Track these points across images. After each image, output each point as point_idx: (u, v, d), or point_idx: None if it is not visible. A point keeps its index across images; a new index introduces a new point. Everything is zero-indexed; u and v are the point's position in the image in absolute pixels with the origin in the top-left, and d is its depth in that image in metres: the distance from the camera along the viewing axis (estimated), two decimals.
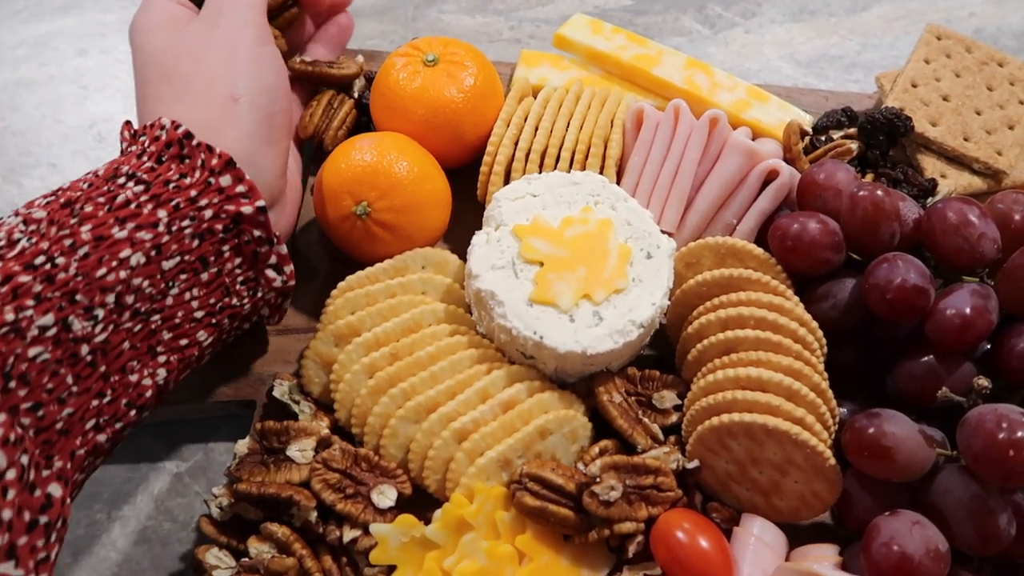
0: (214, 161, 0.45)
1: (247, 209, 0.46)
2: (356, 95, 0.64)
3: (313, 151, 0.64)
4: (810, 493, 0.49)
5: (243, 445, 0.51)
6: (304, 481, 0.49)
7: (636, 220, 0.54)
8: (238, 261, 0.46)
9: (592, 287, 0.51)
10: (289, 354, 0.57)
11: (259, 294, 0.49)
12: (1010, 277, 0.49)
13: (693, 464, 0.50)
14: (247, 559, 0.48)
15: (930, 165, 0.62)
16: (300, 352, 0.55)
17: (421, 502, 0.51)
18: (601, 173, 0.58)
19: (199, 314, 0.46)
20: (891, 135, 0.61)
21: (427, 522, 0.49)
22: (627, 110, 0.60)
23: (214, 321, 0.47)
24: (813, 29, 0.77)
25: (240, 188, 0.46)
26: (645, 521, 0.49)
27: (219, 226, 0.45)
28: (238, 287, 0.47)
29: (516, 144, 0.58)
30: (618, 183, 0.59)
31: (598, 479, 0.48)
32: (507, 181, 0.58)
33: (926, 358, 0.49)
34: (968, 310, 0.47)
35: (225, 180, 0.45)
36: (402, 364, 0.51)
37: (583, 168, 0.58)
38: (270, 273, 0.48)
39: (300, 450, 0.50)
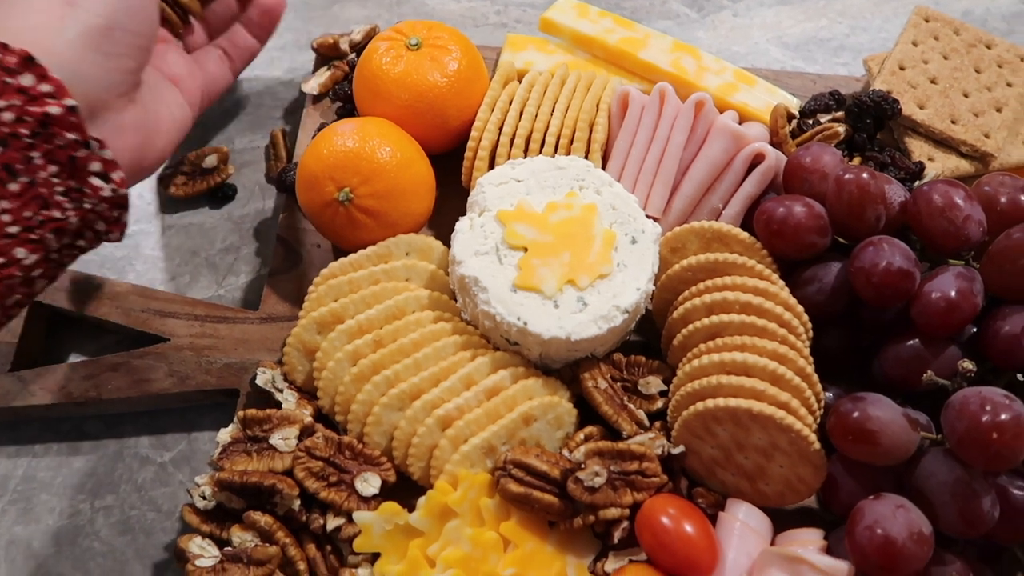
0: (12, 60, 0.40)
1: (54, 110, 0.41)
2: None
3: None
4: (795, 478, 0.49)
5: (226, 434, 0.51)
6: (287, 469, 0.49)
7: (621, 205, 0.53)
8: (53, 169, 0.42)
9: (576, 272, 0.51)
10: (273, 342, 0.56)
11: (87, 205, 0.44)
12: (995, 260, 0.48)
13: (678, 450, 0.50)
14: (230, 548, 0.48)
15: (918, 148, 0.62)
16: (283, 340, 0.54)
17: (406, 489, 0.50)
18: (587, 158, 0.58)
19: (13, 229, 0.41)
20: (878, 118, 0.61)
21: (412, 509, 0.49)
22: (613, 94, 0.59)
23: (34, 237, 0.42)
24: (802, 12, 0.77)
25: (45, 87, 0.41)
26: (630, 507, 0.49)
27: (24, 130, 0.40)
28: (58, 198, 0.42)
29: (501, 129, 0.58)
30: (604, 168, 0.59)
31: (582, 465, 0.48)
32: (492, 166, 0.58)
33: (912, 342, 0.49)
34: (953, 293, 0.47)
35: (26, 79, 0.40)
36: (386, 351, 0.51)
37: (568, 153, 0.57)
38: (95, 181, 0.43)
39: (283, 438, 0.50)
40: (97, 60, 0.45)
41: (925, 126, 0.62)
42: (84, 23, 0.44)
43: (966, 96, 0.63)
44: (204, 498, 0.49)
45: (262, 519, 0.48)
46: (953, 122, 0.62)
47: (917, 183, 0.57)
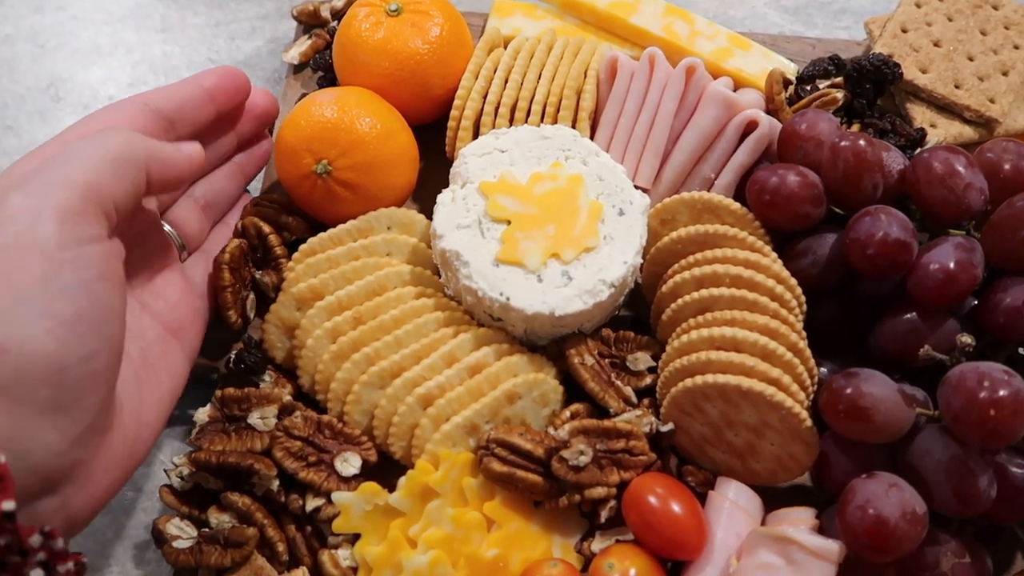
0: None
1: None
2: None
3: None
4: (787, 455, 0.48)
5: (203, 413, 0.50)
6: (265, 449, 0.48)
7: (608, 175, 0.52)
8: None
9: (561, 246, 0.49)
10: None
11: None
12: (997, 229, 0.46)
13: (667, 427, 0.49)
14: (208, 529, 0.47)
15: (919, 114, 0.60)
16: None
17: (389, 469, 0.49)
18: (574, 127, 0.56)
19: None
20: (878, 83, 0.58)
21: (393, 490, 0.48)
22: (601, 60, 0.57)
23: None
24: None
25: None
26: (617, 486, 0.47)
27: None
28: None
29: (485, 97, 0.56)
30: (592, 137, 0.57)
31: (567, 444, 0.47)
32: (476, 136, 0.56)
33: (908, 315, 0.47)
34: (952, 264, 0.45)
35: None
36: (366, 328, 0.50)
37: (555, 122, 0.55)
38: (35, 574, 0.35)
39: (261, 417, 0.49)
40: (46, 423, 0.35)
41: (927, 91, 0.59)
42: (21, 380, 0.34)
43: (971, 59, 0.60)
44: (182, 478, 0.48)
45: (239, 500, 0.47)
46: (957, 86, 0.59)
47: (918, 150, 0.55)
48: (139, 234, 0.47)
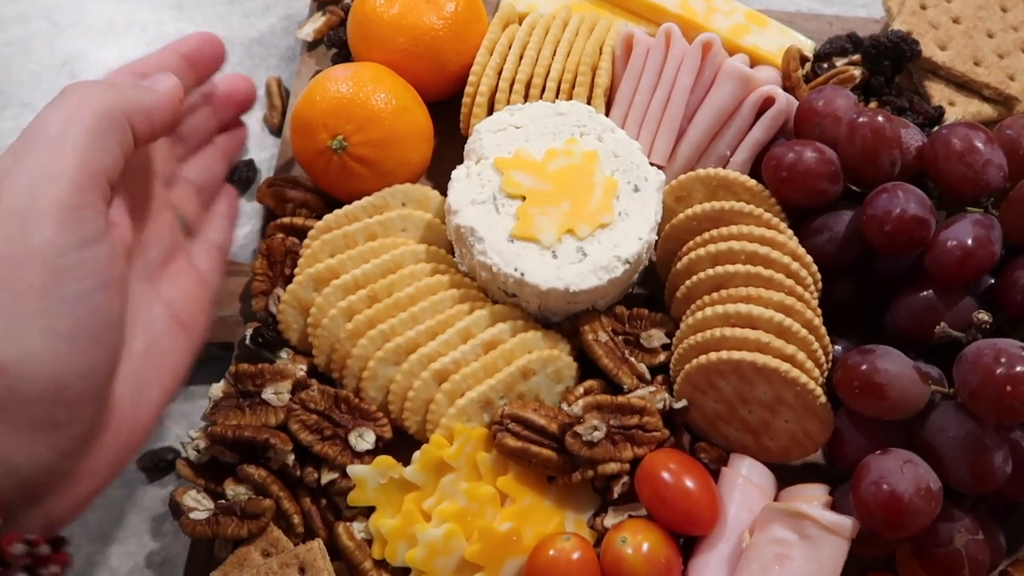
0: None
1: None
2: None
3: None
4: (801, 432, 0.48)
5: (218, 389, 0.50)
6: (280, 424, 0.48)
7: (623, 152, 0.51)
8: None
9: (576, 222, 0.49)
10: None
11: None
12: (1016, 206, 0.46)
13: (681, 404, 0.49)
14: (224, 501, 0.47)
15: (938, 92, 0.59)
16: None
17: (403, 444, 0.50)
18: (589, 103, 0.55)
19: None
20: (897, 60, 0.58)
21: (409, 463, 0.48)
22: (617, 37, 0.57)
23: None
24: None
25: None
26: (630, 462, 0.48)
27: None
28: None
29: (500, 74, 0.55)
30: (607, 114, 0.56)
31: (581, 419, 0.47)
32: (491, 112, 0.56)
33: (925, 293, 0.47)
34: (970, 241, 0.45)
35: None
36: (381, 306, 0.50)
37: (570, 98, 0.55)
38: None
39: (275, 393, 0.49)
40: (32, 439, 0.33)
41: (946, 68, 0.59)
42: (16, 400, 0.33)
43: (991, 36, 0.60)
44: (198, 451, 0.48)
45: (256, 472, 0.47)
46: (976, 64, 0.59)
47: (936, 128, 0.55)
48: (151, 217, 0.45)
